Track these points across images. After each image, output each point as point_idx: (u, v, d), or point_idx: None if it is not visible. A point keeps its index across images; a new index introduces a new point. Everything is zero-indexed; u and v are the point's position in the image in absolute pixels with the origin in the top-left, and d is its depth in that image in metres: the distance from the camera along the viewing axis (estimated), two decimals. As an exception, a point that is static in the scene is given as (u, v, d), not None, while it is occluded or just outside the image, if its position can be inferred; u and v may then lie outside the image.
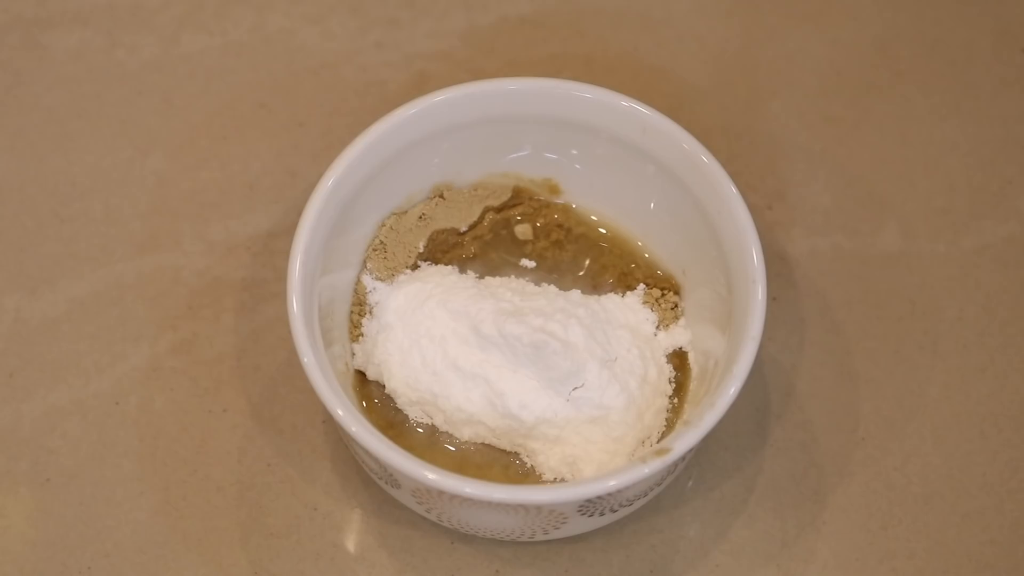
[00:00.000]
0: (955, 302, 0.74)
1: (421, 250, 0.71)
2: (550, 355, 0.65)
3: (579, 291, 0.70)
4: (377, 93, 0.80)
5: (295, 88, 0.80)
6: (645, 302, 0.70)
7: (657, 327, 0.69)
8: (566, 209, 0.73)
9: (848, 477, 0.70)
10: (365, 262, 0.70)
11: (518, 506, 0.61)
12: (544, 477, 0.66)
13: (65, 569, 0.67)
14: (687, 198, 0.68)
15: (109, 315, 0.73)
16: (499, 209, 0.72)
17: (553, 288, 0.70)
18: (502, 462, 0.67)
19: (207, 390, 0.71)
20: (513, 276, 0.71)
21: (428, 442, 0.67)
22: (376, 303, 0.69)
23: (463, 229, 0.72)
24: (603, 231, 0.72)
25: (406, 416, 0.68)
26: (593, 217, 0.72)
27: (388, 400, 0.68)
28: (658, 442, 0.66)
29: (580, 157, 0.71)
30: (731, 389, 0.62)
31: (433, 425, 0.67)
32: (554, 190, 0.73)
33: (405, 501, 0.66)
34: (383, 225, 0.71)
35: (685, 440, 0.61)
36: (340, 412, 0.61)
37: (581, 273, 0.71)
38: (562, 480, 0.66)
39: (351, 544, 0.68)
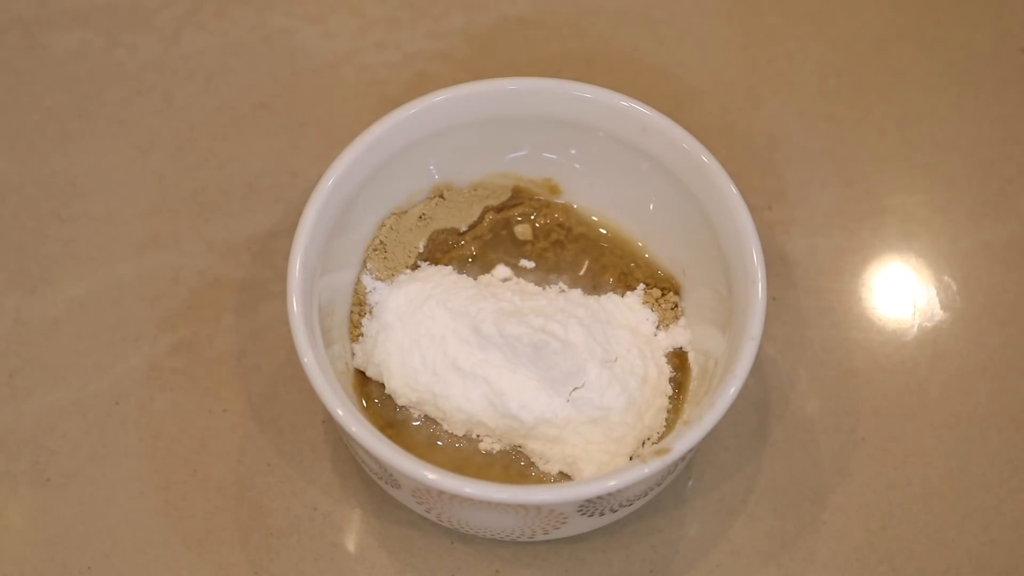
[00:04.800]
0: (955, 302, 0.74)
1: (421, 250, 0.71)
2: (550, 355, 0.65)
3: (579, 291, 0.70)
4: (377, 93, 0.80)
5: (295, 88, 0.80)
6: (645, 302, 0.70)
7: (657, 327, 0.69)
8: (566, 209, 0.73)
9: (848, 477, 0.70)
10: (365, 262, 0.70)
11: (518, 506, 0.61)
12: (544, 477, 0.66)
13: (65, 569, 0.67)
14: (687, 198, 0.68)
15: (109, 315, 0.73)
16: (499, 209, 0.72)
17: (553, 288, 0.70)
18: (502, 462, 0.67)
19: (207, 390, 0.71)
20: (510, 276, 0.71)
21: (428, 442, 0.67)
22: (376, 303, 0.69)
23: (463, 229, 0.72)
24: (603, 231, 0.72)
25: (406, 416, 0.68)
26: (593, 217, 0.72)
27: (388, 400, 0.68)
28: (658, 442, 0.66)
29: (580, 157, 0.71)
30: (731, 389, 0.62)
31: (433, 425, 0.67)
32: (554, 190, 0.73)
33: (405, 501, 0.66)
34: (383, 225, 0.71)
35: (685, 440, 0.61)
36: (340, 412, 0.61)
37: (581, 273, 0.71)
38: (562, 480, 0.66)
39: (351, 544, 0.68)
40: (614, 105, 0.69)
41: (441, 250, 0.71)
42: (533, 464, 0.67)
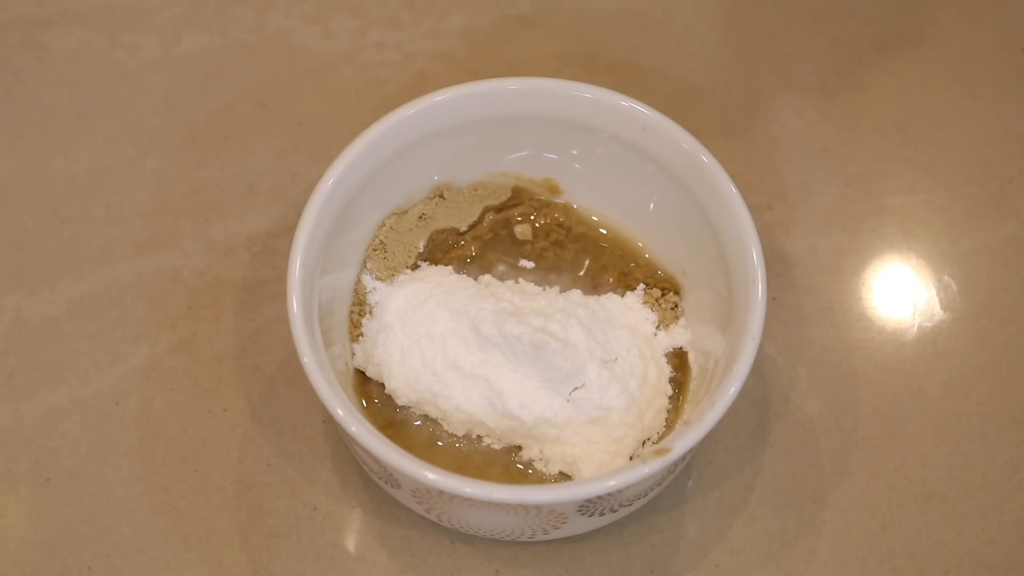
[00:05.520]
0: (955, 302, 0.74)
1: (421, 250, 0.71)
2: (550, 355, 0.65)
3: (579, 291, 0.70)
4: (377, 93, 0.80)
5: (295, 88, 0.80)
6: (645, 302, 0.70)
7: (657, 327, 0.69)
8: (566, 209, 0.73)
9: (848, 477, 0.70)
10: (365, 262, 0.70)
11: (518, 506, 0.61)
12: (544, 477, 0.66)
13: (65, 569, 0.67)
14: (687, 198, 0.68)
15: (109, 315, 0.73)
16: (499, 209, 0.72)
17: (553, 288, 0.70)
18: (502, 462, 0.67)
19: (207, 390, 0.71)
20: (510, 277, 0.71)
21: (428, 442, 0.67)
22: (376, 303, 0.69)
23: (463, 229, 0.72)
24: (603, 231, 0.72)
25: (406, 416, 0.68)
26: (593, 217, 0.72)
27: (388, 400, 0.68)
28: (658, 442, 0.66)
29: (580, 157, 0.71)
30: (731, 389, 0.62)
31: (433, 425, 0.67)
32: (554, 190, 0.73)
33: (405, 501, 0.66)
34: (383, 225, 0.71)
35: (685, 440, 0.61)
36: (340, 412, 0.61)
37: (581, 273, 0.71)
38: (562, 480, 0.66)
39: (351, 544, 0.68)
40: (614, 105, 0.69)
41: (441, 250, 0.71)
42: (533, 464, 0.67)
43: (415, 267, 0.71)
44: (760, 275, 0.64)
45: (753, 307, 0.64)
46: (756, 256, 0.65)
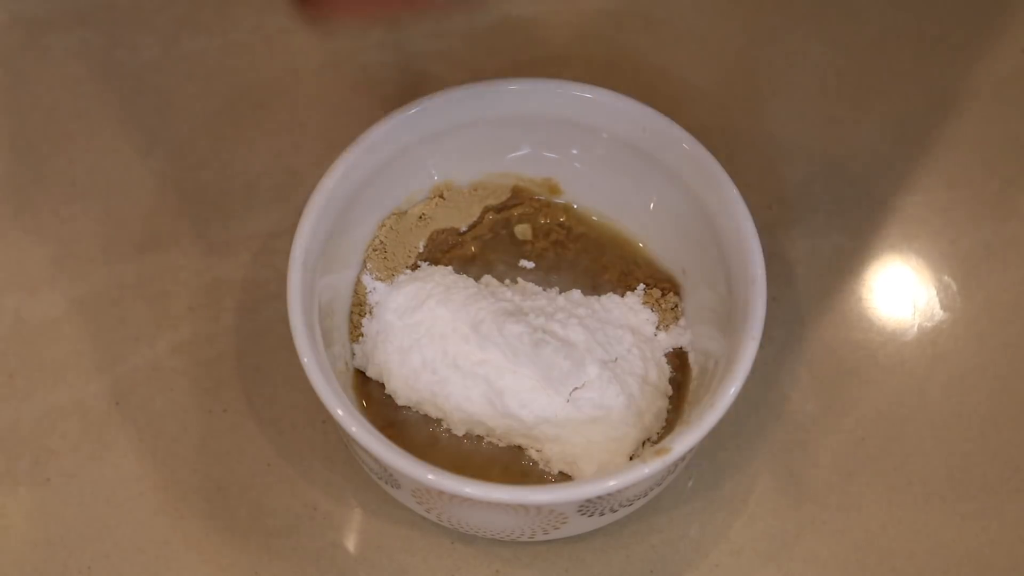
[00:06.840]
0: (955, 302, 0.74)
1: (421, 250, 0.71)
2: (550, 355, 0.65)
3: (579, 291, 0.70)
4: (377, 93, 0.80)
5: (295, 88, 0.80)
6: (645, 302, 0.70)
7: (657, 327, 0.69)
8: (566, 209, 0.73)
9: (848, 477, 0.70)
10: (365, 262, 0.70)
11: (518, 506, 0.61)
12: (544, 477, 0.66)
13: (65, 569, 0.67)
14: (687, 198, 0.68)
15: (109, 315, 0.73)
16: (499, 209, 0.72)
17: (553, 288, 0.70)
18: (502, 462, 0.67)
19: (207, 390, 0.71)
20: (508, 279, 0.71)
21: (428, 442, 0.67)
22: (376, 303, 0.69)
23: (463, 229, 0.72)
24: (603, 231, 0.72)
25: (406, 416, 0.68)
26: (593, 217, 0.72)
27: (388, 400, 0.68)
28: (658, 442, 0.66)
29: (580, 157, 0.71)
30: (731, 389, 0.62)
31: (433, 425, 0.67)
32: (554, 190, 0.73)
33: (405, 501, 0.66)
34: (383, 225, 0.71)
35: (685, 440, 0.61)
36: (340, 412, 0.61)
37: (581, 273, 0.71)
38: (562, 480, 0.66)
39: (351, 544, 0.68)
40: (614, 105, 0.69)
41: (441, 250, 0.71)
42: (533, 464, 0.67)
43: (415, 267, 0.71)
44: (760, 275, 0.64)
45: (753, 307, 0.64)
46: (756, 256, 0.65)
